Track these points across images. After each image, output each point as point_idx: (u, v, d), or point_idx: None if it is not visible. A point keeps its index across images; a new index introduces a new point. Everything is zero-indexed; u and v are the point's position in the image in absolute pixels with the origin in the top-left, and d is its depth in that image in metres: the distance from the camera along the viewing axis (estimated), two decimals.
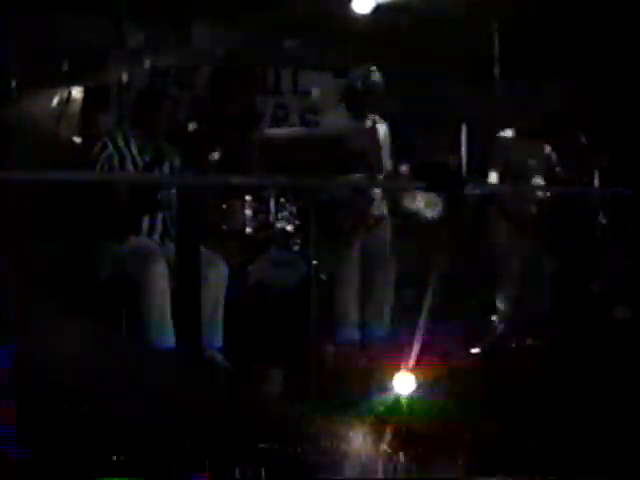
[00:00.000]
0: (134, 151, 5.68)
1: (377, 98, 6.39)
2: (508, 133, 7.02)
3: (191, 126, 6.93)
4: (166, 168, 5.78)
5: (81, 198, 5.61)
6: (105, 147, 5.63)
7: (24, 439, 3.67)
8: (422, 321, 5.14)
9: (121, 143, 5.66)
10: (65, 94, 7.50)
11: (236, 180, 6.44)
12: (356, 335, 6.29)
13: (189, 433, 3.89)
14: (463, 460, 3.93)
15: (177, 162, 5.80)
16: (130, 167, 5.64)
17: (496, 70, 7.78)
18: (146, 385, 4.26)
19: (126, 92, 7.11)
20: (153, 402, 4.13)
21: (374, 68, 6.39)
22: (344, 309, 6.29)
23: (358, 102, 6.39)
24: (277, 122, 8.24)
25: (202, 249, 5.60)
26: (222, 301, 5.61)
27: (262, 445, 3.89)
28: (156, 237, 5.68)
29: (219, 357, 5.53)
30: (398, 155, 6.56)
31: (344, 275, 6.32)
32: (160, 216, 5.69)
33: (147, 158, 5.69)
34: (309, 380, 4.94)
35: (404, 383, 4.51)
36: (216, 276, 5.60)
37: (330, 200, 6.24)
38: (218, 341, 5.58)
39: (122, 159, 5.63)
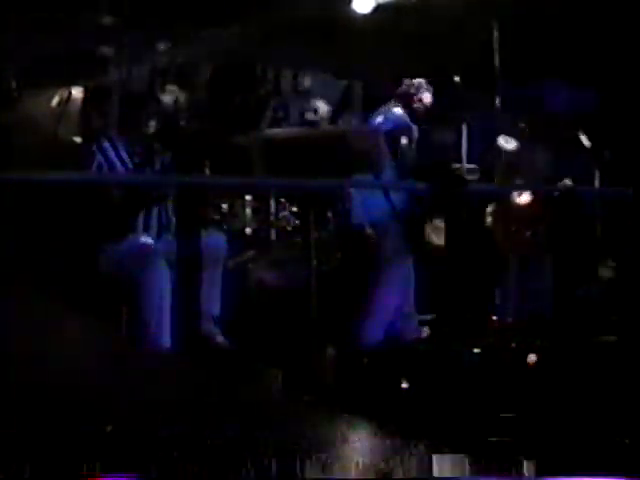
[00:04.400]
0: (123, 155, 5.68)
1: None
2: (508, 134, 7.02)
3: (192, 126, 6.93)
4: (157, 167, 5.77)
5: (78, 198, 5.61)
6: (93, 157, 5.63)
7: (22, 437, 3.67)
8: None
9: (109, 150, 5.66)
10: (65, 94, 7.49)
11: (236, 180, 6.43)
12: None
13: (187, 432, 3.89)
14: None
15: (168, 160, 5.79)
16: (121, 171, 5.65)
17: (497, 70, 7.76)
18: (145, 384, 4.26)
19: (116, 94, 7.07)
20: (153, 402, 4.13)
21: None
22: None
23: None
24: (277, 122, 8.23)
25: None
26: (221, 268, 5.61)
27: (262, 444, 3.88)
28: (152, 234, 5.67)
29: (216, 332, 5.50)
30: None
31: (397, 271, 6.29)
32: (155, 212, 5.68)
33: (137, 160, 5.69)
34: (309, 380, 4.94)
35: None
36: (215, 241, 5.65)
37: None
38: (216, 309, 5.56)
39: (112, 166, 5.63)
